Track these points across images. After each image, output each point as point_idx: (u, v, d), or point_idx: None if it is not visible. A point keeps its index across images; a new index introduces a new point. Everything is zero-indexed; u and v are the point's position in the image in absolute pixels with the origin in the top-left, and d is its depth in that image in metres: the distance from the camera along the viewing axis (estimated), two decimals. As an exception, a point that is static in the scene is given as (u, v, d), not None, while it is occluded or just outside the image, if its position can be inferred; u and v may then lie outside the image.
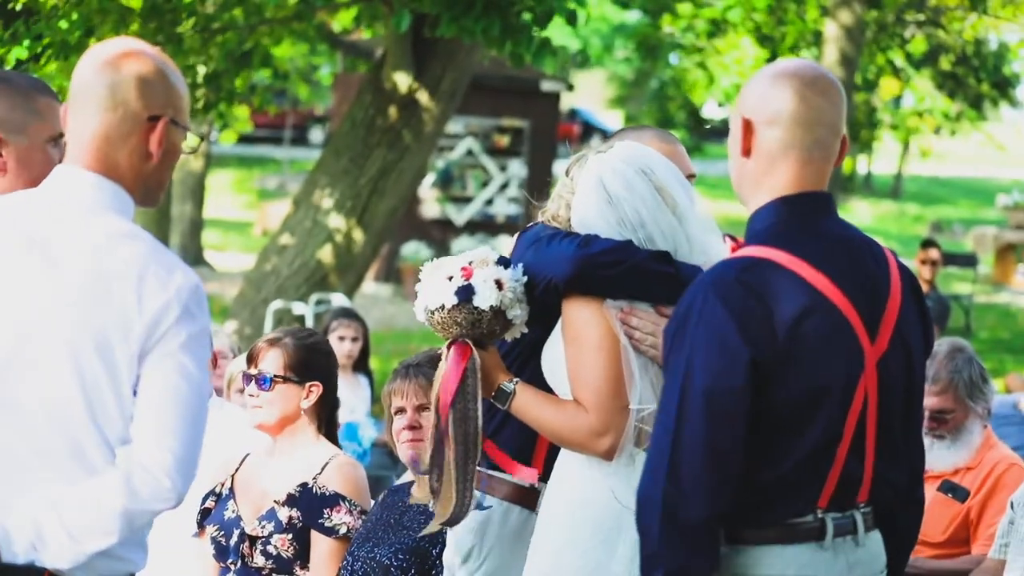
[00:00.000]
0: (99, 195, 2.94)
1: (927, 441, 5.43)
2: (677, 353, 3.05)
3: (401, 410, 4.65)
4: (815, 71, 3.22)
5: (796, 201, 3.17)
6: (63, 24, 8.48)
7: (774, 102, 3.16)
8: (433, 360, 4.57)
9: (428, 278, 3.70)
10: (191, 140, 3.10)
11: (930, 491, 5.43)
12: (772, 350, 3.00)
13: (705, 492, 2.99)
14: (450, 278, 3.66)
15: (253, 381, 4.80)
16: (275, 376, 4.77)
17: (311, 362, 4.84)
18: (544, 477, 3.82)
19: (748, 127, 3.17)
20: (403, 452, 4.66)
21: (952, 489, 5.40)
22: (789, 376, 3.03)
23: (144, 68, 2.97)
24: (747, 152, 3.18)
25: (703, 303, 3.03)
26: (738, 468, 3.01)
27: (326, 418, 4.90)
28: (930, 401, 5.43)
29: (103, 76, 2.95)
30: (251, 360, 4.84)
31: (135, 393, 2.86)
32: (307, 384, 4.81)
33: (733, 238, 3.49)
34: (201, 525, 4.89)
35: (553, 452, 3.80)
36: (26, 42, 8.30)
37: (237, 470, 4.92)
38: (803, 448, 3.08)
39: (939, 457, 5.44)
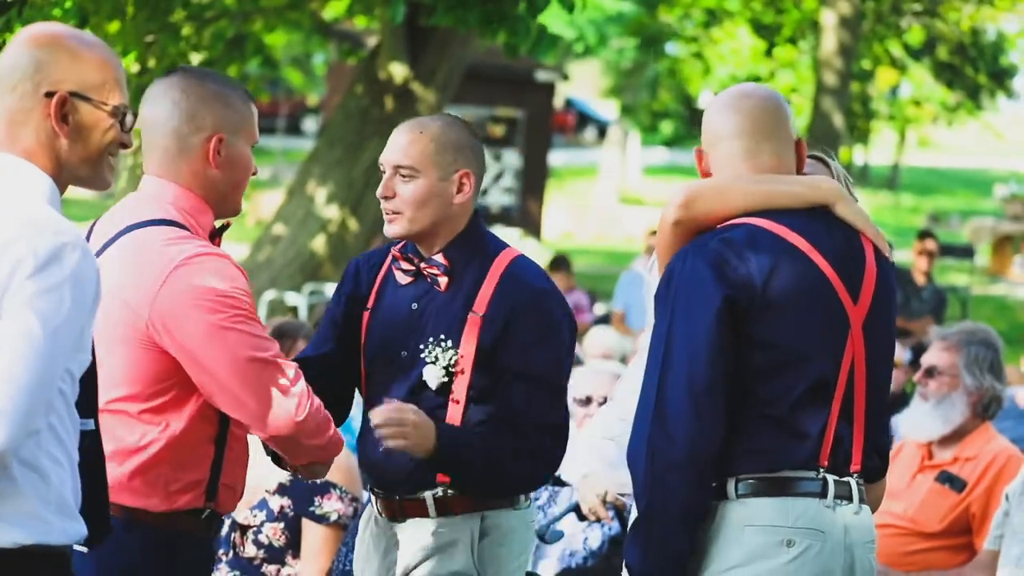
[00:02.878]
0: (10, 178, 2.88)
1: (914, 402, 5.56)
2: (661, 309, 3.29)
3: None
4: (748, 91, 3.56)
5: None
6: (56, 12, 8.43)
7: (713, 127, 3.53)
8: None
9: None
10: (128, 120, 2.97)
11: (927, 481, 5.42)
12: (750, 293, 3.23)
13: (688, 430, 3.19)
14: None
15: None
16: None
17: None
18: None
19: (699, 155, 3.54)
20: None
21: (949, 479, 5.38)
22: (772, 320, 3.25)
23: (40, 44, 2.91)
24: (705, 173, 3.51)
25: (683, 262, 3.29)
26: (720, 407, 3.21)
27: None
28: (931, 356, 5.48)
29: (5, 57, 2.92)
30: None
31: None
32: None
33: None
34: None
35: None
36: (18, 29, 8.25)
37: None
38: (795, 393, 3.25)
39: (916, 420, 5.43)
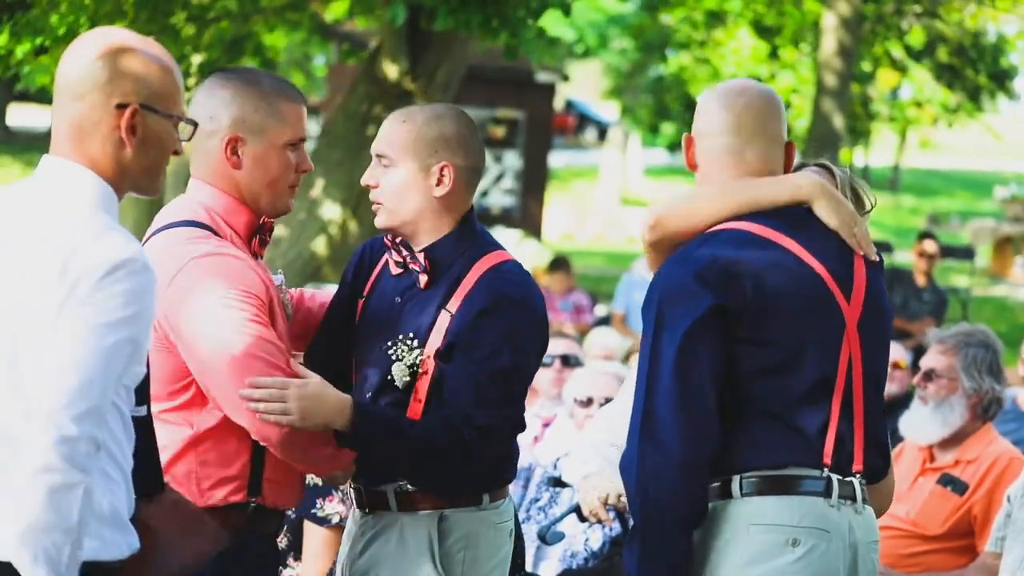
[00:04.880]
0: (75, 188, 2.89)
1: (914, 405, 5.53)
2: (647, 320, 3.33)
3: None
4: (741, 87, 3.63)
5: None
6: (54, 19, 8.42)
7: (706, 115, 3.70)
8: None
9: None
10: (185, 129, 3.00)
11: (929, 484, 5.41)
12: (739, 295, 3.24)
13: (676, 439, 3.20)
14: None
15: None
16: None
17: None
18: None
19: (687, 141, 3.65)
20: None
21: (951, 482, 5.37)
22: (767, 320, 3.26)
23: (110, 54, 2.91)
24: (693, 167, 3.65)
25: (667, 274, 3.34)
26: (709, 413, 3.23)
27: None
28: (930, 359, 5.47)
29: (73, 64, 2.91)
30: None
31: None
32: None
33: None
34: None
35: None
36: (28, 39, 8.26)
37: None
38: (795, 390, 3.27)
39: (916, 423, 5.43)
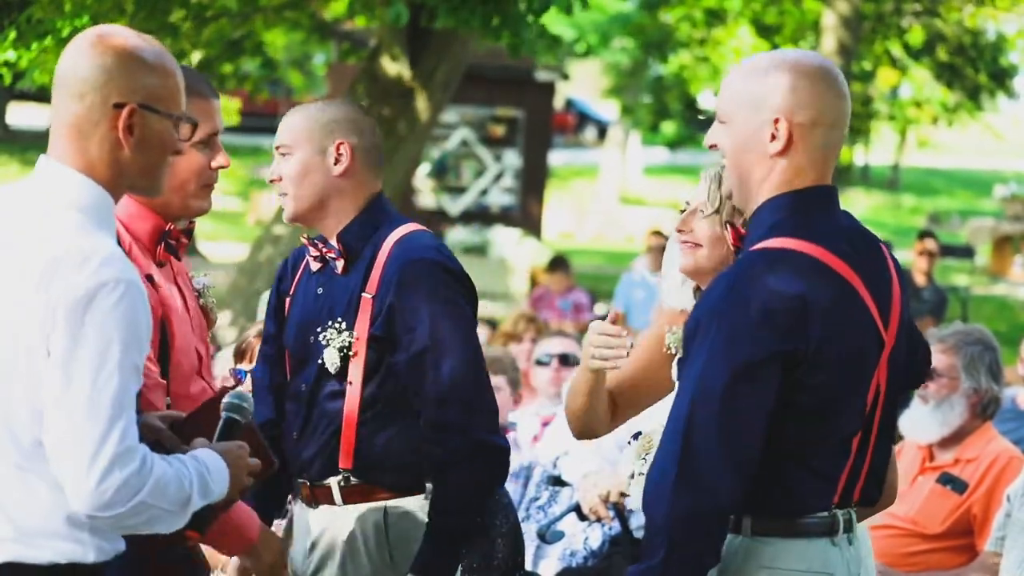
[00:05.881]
0: (69, 193, 2.87)
1: (914, 404, 5.48)
2: (699, 344, 2.99)
3: None
4: (829, 65, 3.18)
5: (809, 193, 3.13)
6: (59, 22, 8.42)
7: (820, 102, 3.10)
8: None
9: None
10: (185, 129, 2.96)
11: (928, 483, 5.41)
12: (803, 344, 2.97)
13: (718, 483, 2.96)
14: None
15: (249, 376, 4.73)
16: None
17: None
18: None
19: (788, 128, 3.08)
20: None
21: (951, 481, 5.37)
22: (821, 366, 3.00)
23: (108, 53, 2.88)
24: (783, 153, 3.10)
25: (728, 295, 2.99)
26: (754, 459, 2.98)
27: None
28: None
29: (71, 64, 2.88)
30: (243, 356, 4.76)
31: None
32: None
33: (732, 225, 3.41)
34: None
35: None
36: (35, 43, 8.26)
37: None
38: (832, 440, 3.08)
39: (916, 421, 5.41)
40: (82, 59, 2.88)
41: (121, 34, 2.93)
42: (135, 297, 2.78)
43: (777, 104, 3.08)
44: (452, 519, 3.74)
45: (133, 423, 2.77)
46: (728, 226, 3.46)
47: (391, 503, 3.78)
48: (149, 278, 3.43)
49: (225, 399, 3.14)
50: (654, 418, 3.64)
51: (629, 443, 3.68)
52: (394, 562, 3.78)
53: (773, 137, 3.08)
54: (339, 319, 3.73)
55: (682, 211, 3.61)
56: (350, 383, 3.73)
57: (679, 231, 3.64)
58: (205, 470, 2.90)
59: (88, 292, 2.74)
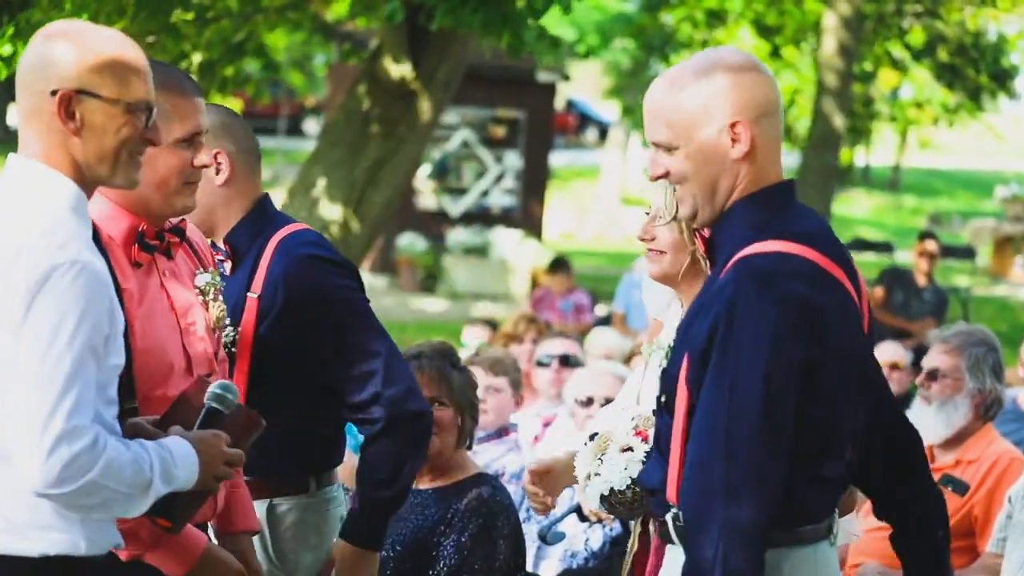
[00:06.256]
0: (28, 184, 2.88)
1: (916, 405, 5.48)
2: (723, 353, 2.90)
3: None
4: (749, 55, 3.13)
5: (777, 190, 3.08)
6: (54, 17, 8.42)
7: (761, 94, 3.04)
8: (443, 353, 4.53)
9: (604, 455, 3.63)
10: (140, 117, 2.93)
11: (929, 484, 5.39)
12: (821, 353, 2.92)
13: (761, 496, 2.87)
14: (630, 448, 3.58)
15: None
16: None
17: None
18: None
19: (747, 128, 3.02)
20: None
21: (952, 482, 5.36)
22: (828, 377, 2.95)
23: (50, 41, 2.89)
24: (748, 155, 3.03)
25: (754, 301, 2.90)
26: (787, 470, 2.92)
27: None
28: (933, 359, 5.43)
29: (24, 57, 2.91)
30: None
31: None
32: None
33: (698, 233, 3.34)
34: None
35: None
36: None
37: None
38: (837, 447, 3.05)
39: (919, 422, 5.39)
40: (30, 50, 2.90)
41: (73, 26, 2.94)
42: (91, 279, 2.79)
43: (727, 108, 3.01)
44: (377, 490, 3.77)
45: (87, 402, 2.76)
46: (695, 235, 3.40)
47: (276, 500, 3.83)
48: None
49: (209, 389, 3.14)
50: (610, 419, 3.65)
51: (585, 444, 3.68)
52: (280, 559, 3.82)
53: (734, 142, 3.02)
54: (227, 319, 3.76)
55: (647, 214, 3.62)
56: (241, 375, 3.78)
57: (642, 239, 3.63)
58: (168, 455, 2.89)
59: (43, 273, 2.75)
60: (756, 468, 2.87)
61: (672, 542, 3.06)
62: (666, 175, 3.09)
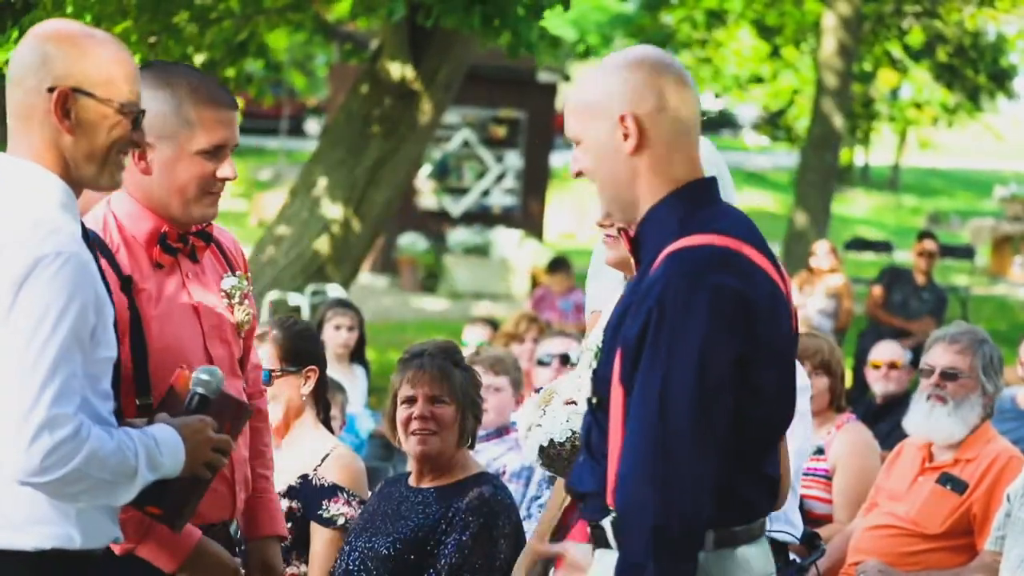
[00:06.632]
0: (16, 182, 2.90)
1: (927, 405, 5.43)
2: (655, 348, 2.84)
3: (411, 399, 4.56)
4: (660, 53, 3.07)
5: (695, 187, 3.03)
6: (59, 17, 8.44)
7: (657, 90, 2.99)
8: (446, 351, 4.56)
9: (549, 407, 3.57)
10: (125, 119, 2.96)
11: (928, 483, 5.42)
12: (753, 345, 2.88)
13: (698, 499, 2.82)
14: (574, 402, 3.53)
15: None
16: (272, 371, 4.74)
17: (303, 348, 4.85)
18: None
19: (635, 121, 2.98)
20: (410, 443, 4.56)
21: (950, 481, 5.38)
22: (761, 369, 2.91)
23: (46, 39, 2.92)
24: (639, 148, 2.99)
25: (685, 294, 2.84)
26: (721, 468, 2.87)
27: (323, 401, 4.92)
28: (946, 359, 5.42)
29: (15, 54, 2.93)
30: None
31: None
32: (304, 370, 4.80)
33: (623, 231, 3.31)
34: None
35: None
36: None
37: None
38: (768, 438, 3.01)
39: (936, 425, 5.41)
40: (24, 48, 2.92)
41: (64, 24, 2.97)
42: (76, 270, 2.80)
43: (617, 103, 2.98)
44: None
45: (71, 391, 2.77)
46: (621, 232, 3.36)
47: None
48: (128, 279, 3.42)
49: (194, 374, 3.14)
50: (561, 381, 3.66)
51: (531, 395, 3.67)
52: None
53: (626, 136, 2.98)
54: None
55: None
56: None
57: (600, 225, 3.63)
58: (153, 443, 2.90)
59: (29, 264, 2.77)
60: (690, 464, 2.81)
61: (608, 546, 2.96)
62: (580, 174, 3.07)
